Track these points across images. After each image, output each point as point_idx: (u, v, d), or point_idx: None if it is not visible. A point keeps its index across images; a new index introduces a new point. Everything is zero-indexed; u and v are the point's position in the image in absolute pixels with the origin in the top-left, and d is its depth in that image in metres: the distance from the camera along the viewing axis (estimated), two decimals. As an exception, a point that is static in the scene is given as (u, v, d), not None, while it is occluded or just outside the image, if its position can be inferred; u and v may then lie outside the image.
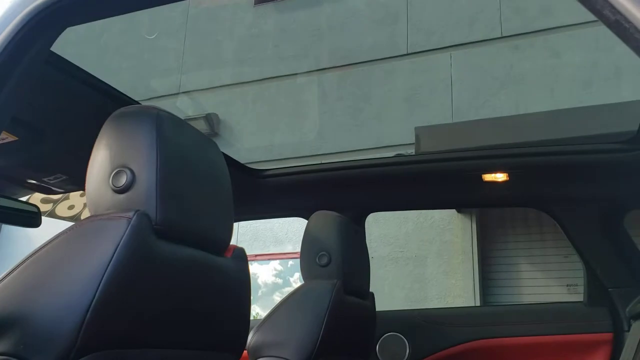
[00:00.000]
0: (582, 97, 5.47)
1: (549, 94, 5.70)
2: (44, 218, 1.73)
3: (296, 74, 6.75)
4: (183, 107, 6.81)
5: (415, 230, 5.96)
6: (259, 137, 6.79)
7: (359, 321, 1.76)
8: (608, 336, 1.81)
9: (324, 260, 1.64)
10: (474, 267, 5.84)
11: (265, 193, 2.07)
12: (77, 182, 1.69)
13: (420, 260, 5.98)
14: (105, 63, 6.94)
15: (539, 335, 1.88)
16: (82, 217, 2.35)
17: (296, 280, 7.24)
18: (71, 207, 2.34)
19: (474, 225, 5.86)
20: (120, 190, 0.90)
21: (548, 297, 5.49)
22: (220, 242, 1.06)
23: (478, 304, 5.74)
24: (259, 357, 1.52)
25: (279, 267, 7.42)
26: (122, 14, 1.04)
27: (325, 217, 1.72)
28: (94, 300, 0.78)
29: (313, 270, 1.65)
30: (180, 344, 0.97)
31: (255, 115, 6.86)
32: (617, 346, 1.77)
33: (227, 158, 1.90)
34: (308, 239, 1.70)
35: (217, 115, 6.90)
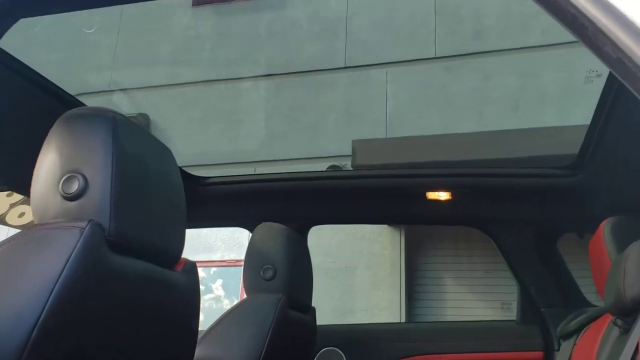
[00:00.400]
0: (509, 120, 5.71)
1: (477, 116, 5.91)
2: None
3: (233, 79, 6.67)
4: (114, 106, 6.57)
5: (347, 241, 6.00)
6: (190, 141, 6.64)
7: (301, 336, 1.74)
8: (539, 355, 1.87)
9: (269, 274, 1.60)
10: (401, 280, 5.95)
11: (208, 201, 2.02)
12: (20, 186, 1.58)
13: (350, 271, 6.03)
14: (31, 55, 6.59)
15: (473, 353, 1.92)
16: (7, 219, 2.20)
17: (218, 287, 7.12)
18: (22, 215, 2.19)
19: (403, 239, 5.97)
20: (71, 197, 0.84)
21: (471, 312, 5.66)
22: (172, 255, 1.01)
23: (403, 316, 5.84)
24: None
25: (202, 274, 7.27)
26: (80, 9, 0.98)
27: (271, 229, 1.69)
28: (42, 317, 0.72)
29: (257, 283, 1.62)
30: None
31: (188, 119, 6.72)
32: (547, 364, 1.83)
33: None
34: (253, 252, 1.66)
35: (148, 116, 6.71)
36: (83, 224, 0.79)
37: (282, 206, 2.04)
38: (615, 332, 1.20)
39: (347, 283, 6.04)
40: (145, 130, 1.00)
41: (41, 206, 0.86)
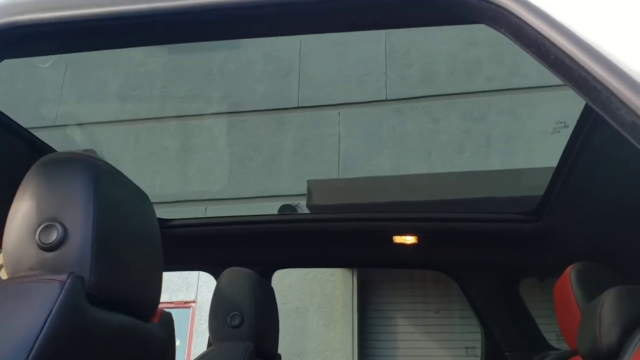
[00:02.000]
0: (456, 162, 5.86)
1: (426, 157, 6.05)
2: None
3: (184, 116, 6.61)
4: (58, 141, 6.36)
5: (297, 282, 5.94)
6: (139, 179, 6.48)
7: None
8: (504, 399, 1.88)
9: (236, 321, 1.56)
10: (354, 321, 5.91)
11: (169, 245, 1.95)
12: None
13: (302, 312, 5.95)
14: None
15: None
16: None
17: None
18: None
19: (355, 279, 5.96)
20: (49, 248, 0.79)
21: (424, 352, 5.67)
22: (150, 307, 0.97)
23: (356, 356, 5.78)
24: None
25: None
26: (68, 52, 0.95)
27: (238, 275, 1.65)
28: None
29: (223, 331, 1.56)
30: None
31: (137, 156, 6.58)
32: (512, 409, 1.84)
33: None
34: (219, 298, 1.61)
35: (95, 151, 6.53)
36: (64, 277, 0.74)
37: (245, 250, 2.00)
38: (590, 378, 1.21)
39: (299, 324, 5.95)
40: (124, 176, 0.96)
41: (15, 256, 0.80)
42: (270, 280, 2.06)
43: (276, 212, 5.67)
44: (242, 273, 1.66)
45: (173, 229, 1.95)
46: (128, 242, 0.89)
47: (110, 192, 0.87)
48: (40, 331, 0.69)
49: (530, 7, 0.60)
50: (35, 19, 0.87)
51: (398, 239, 1.89)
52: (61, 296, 0.72)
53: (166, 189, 6.25)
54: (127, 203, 0.92)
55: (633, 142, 0.54)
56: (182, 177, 6.37)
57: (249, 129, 6.41)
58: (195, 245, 1.98)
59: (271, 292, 1.81)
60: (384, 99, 6.39)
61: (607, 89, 0.53)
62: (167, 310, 1.03)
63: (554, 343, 1.93)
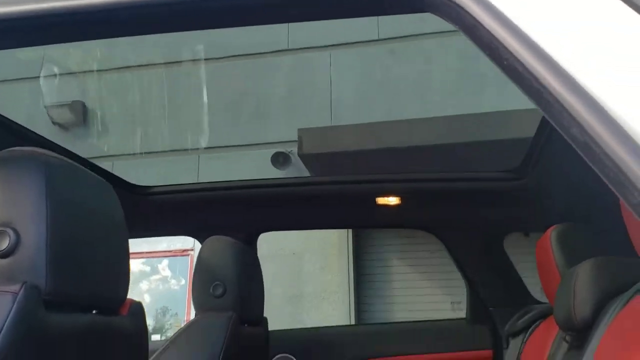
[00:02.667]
0: (450, 103, 5.78)
1: (420, 100, 5.96)
2: None
3: (172, 62, 6.47)
4: (45, 93, 6.27)
5: (293, 228, 6.00)
6: (130, 128, 6.44)
7: (253, 350, 1.71)
8: (488, 353, 1.91)
9: (219, 291, 1.56)
10: (349, 264, 6.00)
11: (151, 211, 1.94)
12: None
13: (298, 257, 6.03)
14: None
15: (423, 354, 1.94)
16: None
17: (164, 268, 7.00)
18: None
19: (350, 223, 6.03)
20: (1, 255, 0.77)
21: (418, 291, 5.79)
22: (115, 301, 0.96)
23: (352, 298, 5.90)
24: None
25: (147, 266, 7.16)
26: (53, 43, 0.91)
27: (220, 244, 1.64)
28: None
29: (207, 301, 1.57)
30: None
31: (127, 105, 6.49)
32: (496, 363, 1.88)
33: (108, 175, 1.75)
34: (201, 268, 1.61)
35: (84, 102, 6.44)
36: (16, 288, 0.73)
37: (229, 214, 1.99)
38: (565, 345, 1.23)
39: (296, 268, 6.04)
40: (82, 169, 0.93)
41: None
42: (255, 244, 2.06)
43: (269, 160, 5.65)
44: (223, 242, 1.65)
45: (155, 196, 1.93)
46: (87, 240, 0.87)
47: (63, 190, 0.84)
48: None
49: (485, 5, 0.55)
50: None
51: (381, 200, 1.88)
52: (14, 308, 0.71)
53: (157, 138, 6.20)
54: (85, 199, 0.90)
55: (585, 159, 0.51)
56: (174, 126, 6.30)
57: (238, 75, 6.29)
58: (177, 211, 1.97)
59: (254, 258, 1.81)
60: (376, 38, 6.24)
61: (561, 104, 0.50)
62: (136, 300, 1.02)
63: (538, 296, 1.95)
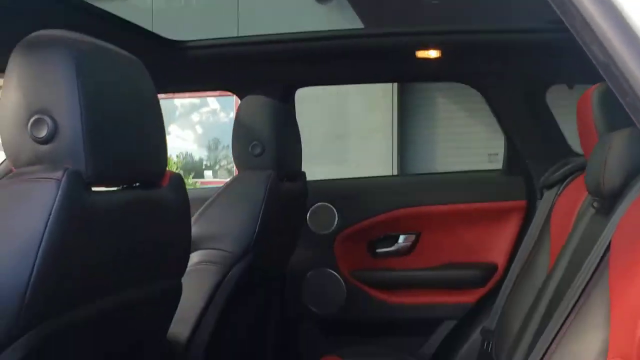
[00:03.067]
0: None
1: None
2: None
3: None
4: None
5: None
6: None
7: (292, 204, 1.80)
8: (522, 204, 1.96)
9: (257, 150, 1.61)
10: (393, 103, 5.99)
11: (189, 66, 1.95)
12: None
13: (343, 97, 6.03)
14: None
15: (458, 203, 2.01)
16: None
17: (213, 101, 7.17)
18: None
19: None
20: (42, 141, 0.81)
21: (460, 130, 5.79)
22: (155, 174, 1.01)
23: (395, 138, 5.98)
24: (198, 249, 1.55)
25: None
26: None
27: (257, 103, 1.66)
28: (32, 277, 0.73)
29: (246, 159, 1.63)
30: (127, 285, 0.96)
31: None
32: (529, 213, 1.93)
33: (144, 31, 1.74)
34: (240, 127, 1.65)
35: None
36: (59, 175, 0.77)
37: (266, 69, 1.98)
38: (592, 210, 1.25)
39: (340, 109, 6.08)
40: (112, 50, 0.93)
41: (14, 150, 0.84)
42: (293, 100, 2.07)
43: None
44: (261, 101, 1.67)
45: (192, 50, 1.92)
46: (121, 120, 0.90)
47: (95, 74, 0.85)
48: (44, 231, 0.74)
49: None
50: None
51: (421, 53, 1.82)
52: (58, 195, 0.76)
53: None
54: (117, 79, 0.91)
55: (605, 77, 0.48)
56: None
57: None
58: (214, 65, 1.97)
59: (292, 115, 1.83)
60: None
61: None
62: (176, 172, 1.08)
63: (579, 150, 1.93)
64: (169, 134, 7.79)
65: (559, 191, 1.75)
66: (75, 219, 0.79)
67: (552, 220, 1.67)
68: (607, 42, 0.46)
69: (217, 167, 7.71)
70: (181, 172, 7.25)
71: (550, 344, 0.89)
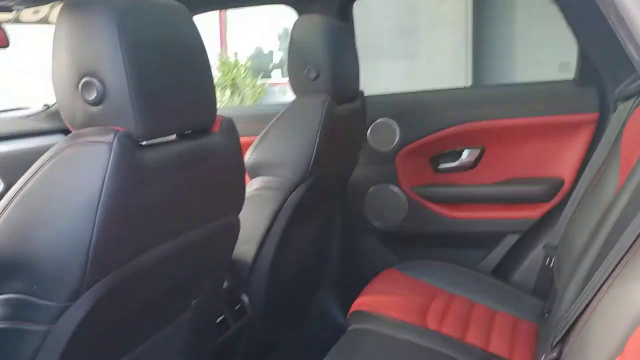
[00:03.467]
0: None
1: None
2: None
3: None
4: None
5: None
6: None
7: (350, 126, 1.79)
8: (594, 117, 1.85)
9: (313, 74, 1.59)
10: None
11: None
12: None
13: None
14: None
15: (526, 117, 1.93)
16: (51, 18, 2.19)
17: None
18: (36, 12, 2.17)
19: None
20: (93, 103, 0.85)
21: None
22: (205, 122, 1.03)
23: (470, 28, 5.67)
24: (258, 176, 1.60)
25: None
26: None
27: (311, 24, 1.62)
28: (93, 236, 0.79)
29: (302, 84, 1.62)
30: (185, 229, 1.02)
31: None
32: (600, 127, 1.83)
33: None
34: (294, 50, 1.63)
35: None
36: (110, 138, 0.81)
37: None
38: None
39: (410, 0, 5.80)
40: (153, 2, 0.93)
41: (69, 110, 0.88)
42: (351, 15, 1.99)
43: None
44: (315, 21, 1.62)
45: None
46: (168, 73, 0.91)
47: (138, 31, 0.85)
48: (100, 194, 0.79)
49: None
50: None
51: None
52: (111, 158, 0.80)
53: None
54: (161, 33, 0.91)
55: None
56: None
57: None
58: None
59: (348, 33, 1.77)
60: None
61: None
62: (226, 117, 1.09)
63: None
64: (243, 34, 7.74)
65: (635, 104, 1.64)
66: (128, 178, 0.83)
67: (624, 136, 1.58)
68: None
69: (285, 67, 7.65)
70: (249, 75, 7.30)
71: (615, 267, 0.88)
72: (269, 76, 7.56)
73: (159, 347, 1.09)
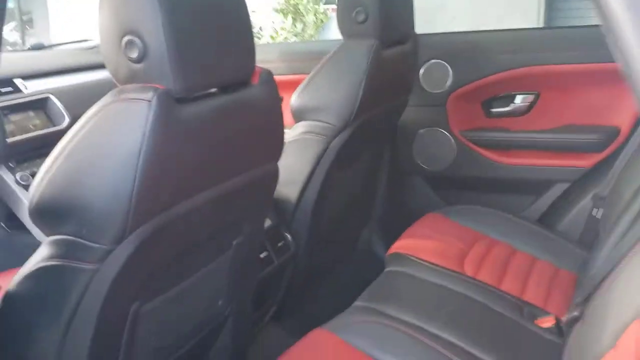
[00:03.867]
0: None
1: None
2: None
3: None
4: None
5: None
6: None
7: (400, 69, 1.77)
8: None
9: (361, 17, 1.58)
10: None
11: None
12: None
13: None
14: None
15: (587, 63, 1.84)
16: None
17: None
18: None
19: None
20: (135, 61, 0.89)
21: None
22: (245, 75, 1.06)
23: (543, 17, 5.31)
24: (303, 120, 1.63)
25: None
26: None
27: None
28: (135, 186, 0.86)
29: (350, 27, 1.61)
30: (225, 179, 1.07)
31: None
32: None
33: None
34: None
35: None
36: (150, 95, 0.86)
37: None
38: None
39: None
40: None
41: (113, 66, 0.93)
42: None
43: None
44: None
45: None
46: (205, 31, 0.94)
47: None
48: (141, 147, 0.85)
49: None
50: None
51: None
52: (150, 115, 0.85)
53: None
54: None
55: None
56: None
57: None
58: None
59: None
60: None
61: None
62: (265, 68, 1.11)
63: None
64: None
65: None
66: (167, 133, 0.89)
67: None
68: None
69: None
70: (311, 0, 7.15)
71: None
72: (332, 2, 7.38)
73: (202, 282, 1.18)
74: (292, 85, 1.68)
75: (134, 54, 0.88)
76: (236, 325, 1.36)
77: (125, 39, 0.88)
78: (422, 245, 1.65)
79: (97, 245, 0.89)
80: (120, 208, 0.87)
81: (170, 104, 0.88)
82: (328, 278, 1.97)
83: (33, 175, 1.63)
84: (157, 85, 0.88)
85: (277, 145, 1.20)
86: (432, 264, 1.56)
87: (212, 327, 1.30)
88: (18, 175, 1.51)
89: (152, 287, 1.04)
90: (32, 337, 0.97)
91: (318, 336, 1.26)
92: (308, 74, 1.65)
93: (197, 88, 0.95)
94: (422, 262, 1.56)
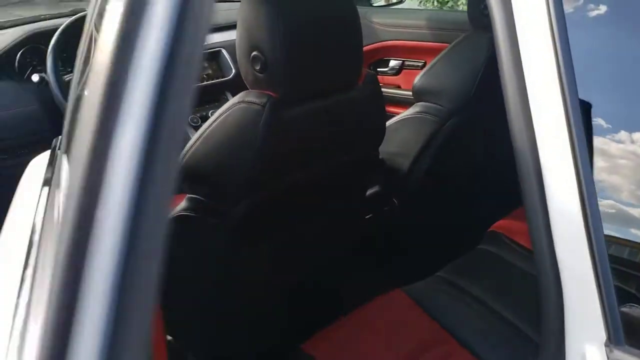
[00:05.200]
0: None
1: None
2: None
3: None
4: None
5: None
6: None
7: None
8: None
9: (487, 11, 1.65)
10: None
11: None
12: None
13: None
14: None
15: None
16: None
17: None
18: None
19: None
20: (258, 72, 1.13)
21: None
22: (350, 79, 1.25)
23: None
24: (421, 101, 1.78)
25: None
26: None
27: None
28: (248, 170, 1.13)
29: (479, 19, 1.70)
30: (326, 166, 1.30)
31: None
32: None
33: None
34: None
35: None
36: (264, 101, 1.11)
37: None
38: None
39: None
40: None
41: (244, 73, 1.17)
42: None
43: None
44: None
45: None
46: (319, 48, 1.12)
47: (295, 18, 1.07)
48: (256, 140, 1.11)
49: None
50: None
51: None
52: (263, 118, 1.09)
53: None
54: (315, 13, 1.11)
55: None
56: None
57: None
58: None
59: None
60: None
61: None
62: (370, 71, 1.29)
63: None
64: None
65: None
66: (277, 132, 1.13)
67: None
68: None
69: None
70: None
71: None
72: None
73: (309, 234, 1.44)
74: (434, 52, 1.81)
75: (258, 66, 1.12)
76: (338, 269, 1.61)
77: (253, 54, 1.12)
78: (522, 228, 1.72)
79: (219, 207, 1.19)
80: (237, 180, 1.16)
81: (280, 109, 1.12)
82: (430, 243, 2.11)
83: (202, 118, 2.00)
84: (271, 93, 1.12)
85: (377, 136, 1.39)
86: (526, 249, 1.57)
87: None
88: (189, 118, 1.87)
89: (264, 238, 1.33)
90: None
91: (395, 295, 1.46)
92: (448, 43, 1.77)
93: (307, 93, 1.17)
94: (516, 245, 1.60)
